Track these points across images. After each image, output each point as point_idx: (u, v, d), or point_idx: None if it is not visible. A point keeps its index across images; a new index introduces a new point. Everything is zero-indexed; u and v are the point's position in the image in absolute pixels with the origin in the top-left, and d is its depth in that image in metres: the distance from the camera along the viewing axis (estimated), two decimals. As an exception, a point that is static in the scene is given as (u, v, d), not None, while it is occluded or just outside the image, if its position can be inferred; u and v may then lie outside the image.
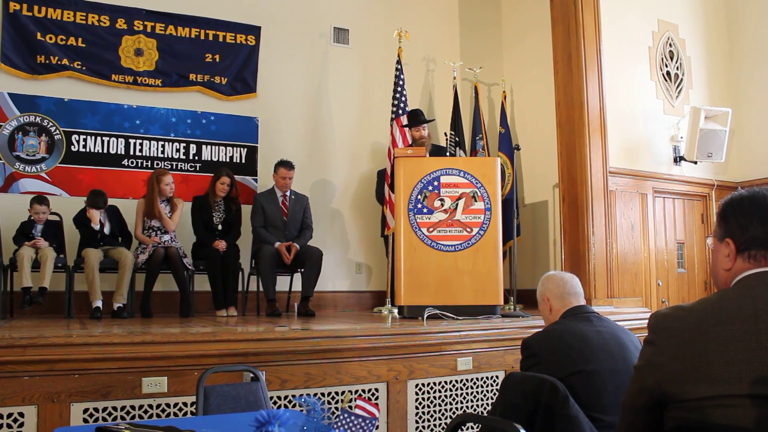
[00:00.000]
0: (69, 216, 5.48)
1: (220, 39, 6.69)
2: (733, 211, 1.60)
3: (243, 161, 6.72)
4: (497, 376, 4.27)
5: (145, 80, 6.36)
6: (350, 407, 1.66)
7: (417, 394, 3.98)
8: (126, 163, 6.26)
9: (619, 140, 6.22)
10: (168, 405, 3.33)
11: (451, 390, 4.10)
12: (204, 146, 6.58)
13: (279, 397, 3.56)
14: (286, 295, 6.28)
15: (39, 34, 5.97)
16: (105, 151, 6.19)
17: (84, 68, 6.13)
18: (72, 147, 6.07)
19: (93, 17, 6.18)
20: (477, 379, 4.21)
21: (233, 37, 6.73)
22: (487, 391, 4.24)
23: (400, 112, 6.36)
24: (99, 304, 5.07)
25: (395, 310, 5.43)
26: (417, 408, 3.97)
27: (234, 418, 2.28)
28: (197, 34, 6.60)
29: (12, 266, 5.05)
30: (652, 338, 1.55)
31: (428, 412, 4.01)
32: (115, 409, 3.22)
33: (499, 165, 5.21)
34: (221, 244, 5.62)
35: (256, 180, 6.73)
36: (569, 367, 2.34)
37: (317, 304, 6.24)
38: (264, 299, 5.71)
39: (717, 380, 1.39)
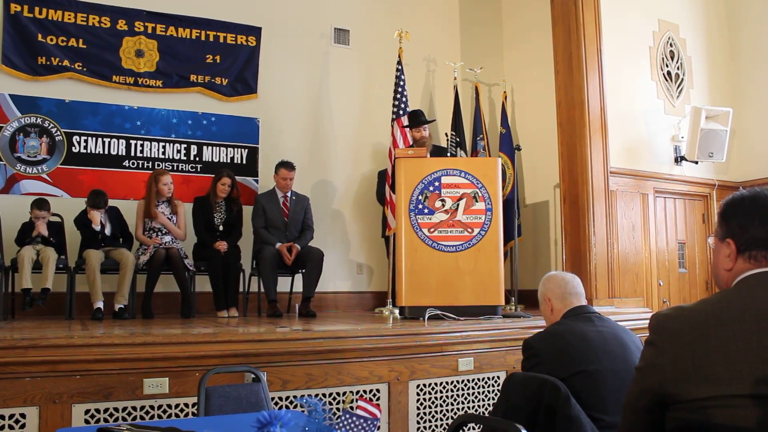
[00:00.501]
0: (70, 217, 5.49)
1: (221, 40, 6.69)
2: (734, 212, 1.59)
3: (244, 162, 6.72)
4: (498, 377, 4.27)
5: (146, 81, 6.36)
6: (352, 408, 1.66)
7: (418, 394, 3.98)
8: (127, 164, 6.26)
9: (620, 140, 6.22)
10: (169, 406, 3.33)
11: (452, 390, 4.10)
12: (205, 147, 6.58)
13: (280, 398, 3.56)
14: (287, 295, 6.28)
15: (40, 36, 5.97)
16: (106, 152, 6.19)
17: (85, 69, 6.13)
18: (73, 148, 6.07)
19: (94, 18, 6.19)
20: (478, 379, 4.21)
21: (234, 38, 6.73)
22: (489, 391, 4.23)
23: (401, 112, 6.36)
24: (100, 305, 5.06)
25: (396, 311, 5.42)
26: (418, 408, 3.97)
27: (235, 419, 2.28)
28: (198, 35, 6.60)
29: (13, 267, 5.05)
30: (653, 339, 1.55)
31: (429, 413, 4.01)
32: (116, 410, 3.23)
33: (499, 165, 5.20)
34: (222, 245, 5.62)
35: (257, 181, 6.74)
36: (571, 368, 2.34)
37: (318, 304, 6.24)
38: (265, 300, 5.71)
39: (718, 380, 1.39)
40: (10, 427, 3.03)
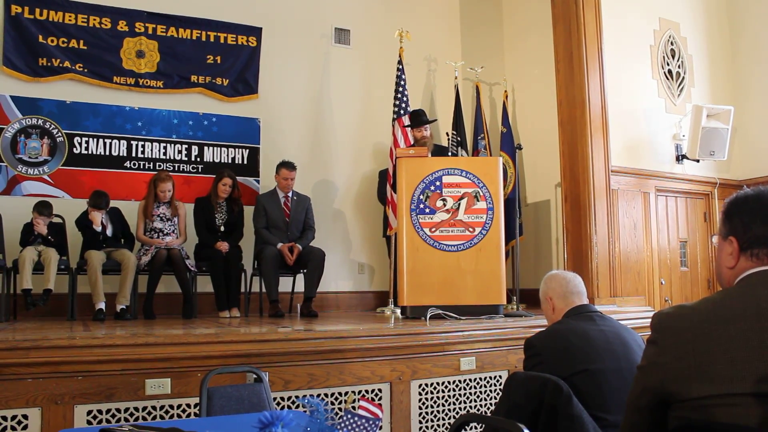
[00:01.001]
0: (71, 218, 5.49)
1: (222, 40, 6.69)
2: (737, 210, 1.60)
3: (245, 162, 6.72)
4: (500, 376, 4.26)
5: (147, 82, 6.37)
6: (353, 408, 1.66)
7: (420, 394, 3.98)
8: (128, 165, 6.26)
9: (621, 139, 6.22)
10: (171, 406, 3.33)
11: (454, 390, 4.10)
12: (206, 147, 6.58)
13: (282, 398, 3.56)
14: (289, 296, 6.29)
15: (41, 37, 5.97)
16: (107, 153, 6.19)
17: (86, 70, 6.14)
18: (74, 149, 6.08)
19: (94, 19, 6.19)
20: (480, 379, 4.21)
21: (234, 39, 6.73)
22: (491, 391, 4.23)
23: (402, 112, 6.35)
24: (102, 305, 5.07)
25: (398, 311, 5.42)
26: (420, 408, 3.97)
27: (237, 420, 2.28)
28: (198, 35, 6.61)
29: (15, 268, 5.06)
30: (655, 338, 1.55)
31: (431, 413, 4.01)
32: (118, 410, 3.23)
33: (501, 164, 5.20)
34: (223, 246, 5.62)
35: (258, 181, 6.74)
36: (572, 367, 2.34)
37: (320, 304, 6.24)
38: (267, 300, 5.72)
39: (720, 379, 1.39)
40: (13, 428, 3.03)
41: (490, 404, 4.19)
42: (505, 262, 5.12)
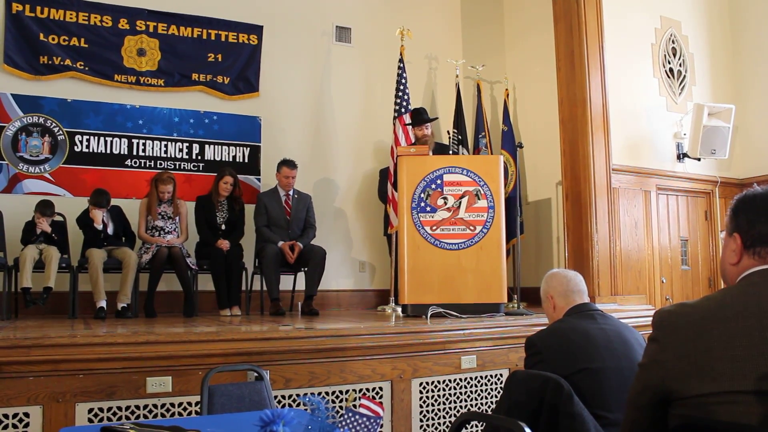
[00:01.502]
0: (73, 216, 5.49)
1: (223, 38, 6.69)
2: (744, 207, 1.59)
3: (246, 161, 6.72)
4: (501, 375, 4.27)
5: (148, 80, 6.36)
6: (354, 406, 1.66)
7: (421, 392, 3.98)
8: (129, 163, 6.27)
9: (622, 137, 6.22)
10: (172, 404, 3.34)
11: (455, 388, 4.10)
12: (207, 146, 6.58)
13: (283, 396, 3.56)
14: (290, 294, 6.29)
15: (42, 35, 5.97)
16: (108, 151, 6.19)
17: (87, 68, 6.14)
18: (75, 147, 6.08)
19: (95, 17, 6.19)
20: (481, 377, 4.21)
21: (235, 37, 6.73)
22: (492, 389, 4.23)
23: (403, 110, 6.35)
24: (103, 304, 5.08)
25: (399, 309, 5.42)
26: (421, 406, 3.97)
27: (238, 418, 2.28)
28: (199, 33, 6.60)
29: (16, 267, 5.06)
30: (656, 335, 1.55)
31: (432, 411, 4.01)
32: (119, 408, 3.23)
33: (502, 163, 5.20)
34: (224, 244, 5.62)
35: (259, 179, 6.74)
36: (573, 365, 2.34)
37: (321, 302, 6.24)
38: (268, 298, 5.72)
39: (720, 376, 1.39)
40: (14, 426, 3.03)
41: (491, 403, 4.20)
42: (506, 261, 5.12)
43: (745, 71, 7.05)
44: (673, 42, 6.77)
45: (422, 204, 5.00)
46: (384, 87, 7.03)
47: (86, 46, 6.15)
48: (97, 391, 3.18)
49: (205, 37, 6.63)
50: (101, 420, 3.18)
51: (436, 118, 7.19)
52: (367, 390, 3.81)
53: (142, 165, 6.31)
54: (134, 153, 6.29)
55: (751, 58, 6.99)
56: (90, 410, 3.17)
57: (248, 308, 5.84)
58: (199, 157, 6.54)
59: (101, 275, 5.13)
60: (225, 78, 6.67)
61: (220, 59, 6.66)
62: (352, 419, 1.62)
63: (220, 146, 6.63)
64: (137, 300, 5.41)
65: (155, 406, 3.30)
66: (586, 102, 5.98)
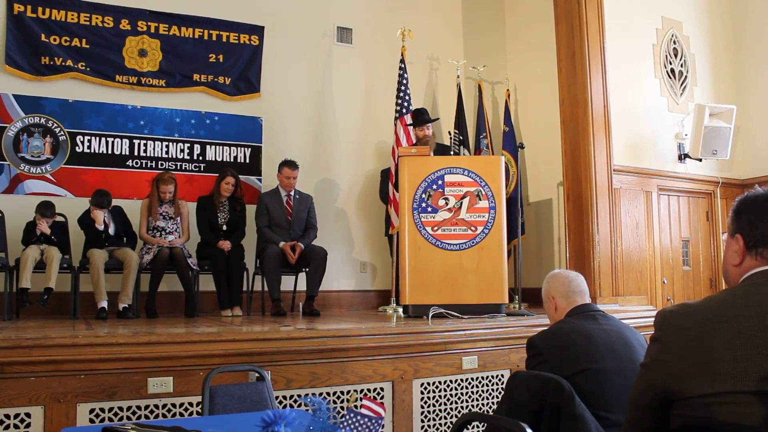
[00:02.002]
0: (74, 217, 5.49)
1: (224, 39, 6.69)
2: (746, 208, 1.60)
3: (247, 161, 6.73)
4: (502, 375, 4.26)
5: (149, 81, 6.37)
6: (356, 407, 1.66)
7: (422, 393, 3.98)
8: (130, 164, 6.27)
9: (624, 138, 6.21)
10: (174, 405, 3.34)
11: (456, 389, 4.10)
12: (208, 146, 6.58)
13: (284, 397, 3.56)
14: (291, 294, 6.28)
15: (43, 36, 5.98)
16: (109, 151, 6.20)
17: (88, 69, 6.14)
18: (76, 148, 6.08)
19: (97, 18, 6.20)
20: (482, 377, 4.21)
21: (237, 37, 6.74)
22: (493, 389, 4.23)
23: (404, 111, 6.35)
24: (104, 304, 5.08)
25: (400, 309, 5.43)
26: (422, 407, 3.97)
27: (240, 418, 2.29)
28: (201, 34, 6.61)
29: (17, 267, 5.06)
30: (658, 335, 1.55)
31: (434, 411, 4.01)
32: (121, 409, 3.23)
33: (503, 163, 5.20)
34: (226, 244, 5.62)
35: (260, 180, 6.74)
36: (575, 366, 2.34)
37: (322, 303, 6.24)
38: (269, 299, 5.71)
39: (722, 376, 1.39)
40: (15, 426, 3.04)
41: (492, 403, 4.19)
42: (507, 261, 5.12)
43: (747, 72, 7.04)
44: (674, 42, 6.76)
45: (423, 204, 5.00)
46: (385, 87, 7.04)
47: (87, 46, 6.15)
48: (98, 391, 3.18)
49: (206, 37, 6.63)
50: (102, 420, 3.18)
51: (437, 119, 7.19)
52: (369, 390, 3.81)
53: (144, 165, 6.31)
54: (135, 153, 6.29)
55: (753, 58, 6.99)
56: (91, 410, 3.18)
57: (249, 309, 5.84)
58: (200, 158, 6.55)
59: (102, 276, 5.13)
60: (226, 78, 6.67)
61: (221, 60, 6.67)
62: (354, 420, 1.62)
63: (221, 147, 6.63)
64: (138, 300, 5.41)
65: (156, 406, 3.30)
66: (587, 102, 5.97)
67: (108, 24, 6.24)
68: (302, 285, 6.02)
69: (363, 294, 7.10)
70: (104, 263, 5.19)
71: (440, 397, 4.04)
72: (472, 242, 4.98)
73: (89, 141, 6.14)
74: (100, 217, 5.34)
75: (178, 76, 6.48)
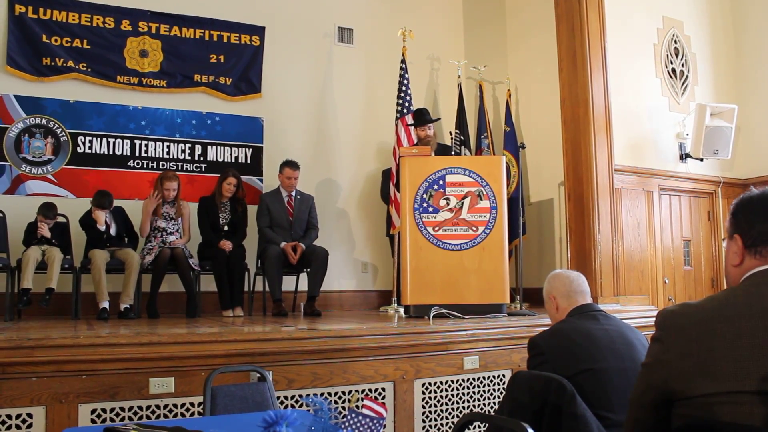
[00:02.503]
0: (75, 217, 5.50)
1: (225, 39, 6.69)
2: (743, 209, 1.61)
3: (248, 161, 6.73)
4: (504, 375, 4.26)
5: (150, 81, 6.37)
6: (357, 407, 1.66)
7: (424, 393, 3.98)
8: (132, 165, 6.27)
9: (625, 138, 6.21)
10: (175, 405, 3.34)
11: (457, 389, 4.10)
12: (209, 147, 6.59)
13: (286, 397, 3.56)
14: (293, 295, 6.28)
15: (44, 37, 5.98)
16: (111, 152, 6.20)
17: (89, 70, 6.15)
18: (78, 148, 6.09)
19: (98, 19, 6.20)
20: (484, 378, 4.21)
21: (237, 38, 6.74)
22: (494, 390, 4.23)
23: (405, 111, 6.35)
24: (106, 305, 5.08)
25: (401, 310, 5.43)
26: (424, 407, 3.97)
27: (241, 419, 2.29)
28: (202, 34, 6.61)
29: (19, 268, 5.06)
30: (659, 335, 1.55)
31: (435, 412, 4.01)
32: (122, 409, 3.24)
33: (504, 163, 5.20)
34: (227, 245, 5.62)
35: (261, 180, 6.74)
36: (576, 366, 2.34)
37: (323, 303, 6.25)
38: (270, 299, 5.72)
39: (723, 376, 1.39)
40: (17, 426, 3.04)
41: (494, 403, 4.19)
42: (508, 261, 5.12)
43: (748, 71, 7.04)
44: (675, 42, 6.76)
45: (424, 205, 5.00)
46: (386, 88, 7.04)
47: (89, 47, 6.16)
48: (100, 391, 3.19)
49: (207, 38, 6.63)
50: (104, 421, 3.19)
51: (438, 119, 7.19)
52: (370, 391, 3.81)
53: (145, 166, 6.31)
54: (137, 154, 6.30)
55: (754, 57, 6.98)
56: (93, 411, 3.18)
57: (251, 309, 5.84)
58: (202, 158, 6.55)
59: (104, 276, 5.14)
60: (227, 79, 6.68)
61: (222, 60, 6.67)
62: (355, 420, 1.62)
63: (222, 147, 6.64)
64: (140, 301, 5.42)
65: (158, 406, 3.31)
66: (588, 102, 5.97)
67: (109, 25, 6.25)
68: (303, 285, 6.03)
69: (364, 294, 7.10)
70: (106, 264, 5.20)
71: (442, 397, 4.04)
72: (474, 242, 4.98)
73: (90, 141, 6.14)
74: (102, 217, 5.34)
75: (179, 77, 6.49)
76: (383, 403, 1.70)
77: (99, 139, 6.17)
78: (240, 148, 6.71)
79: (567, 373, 2.28)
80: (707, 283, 6.71)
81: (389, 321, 4.76)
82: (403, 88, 6.44)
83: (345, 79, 7.24)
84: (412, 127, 6.26)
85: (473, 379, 4.17)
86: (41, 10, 5.98)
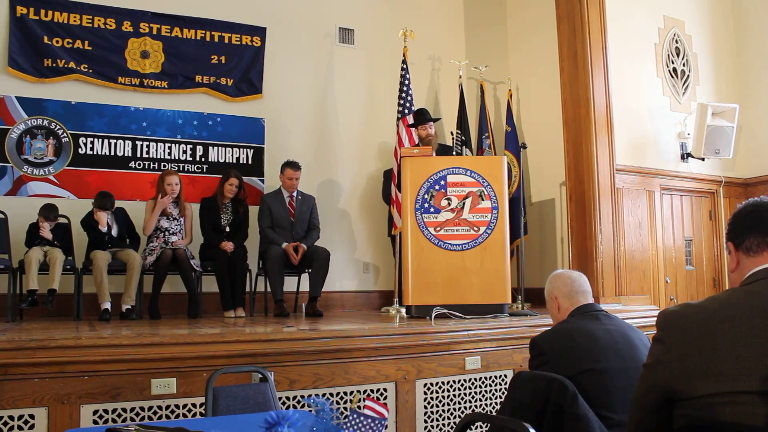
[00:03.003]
0: (77, 219, 5.50)
1: (226, 40, 6.70)
2: (732, 219, 1.69)
3: (249, 162, 6.73)
4: (506, 375, 4.26)
5: (152, 82, 6.38)
6: (359, 407, 1.66)
7: (425, 393, 3.98)
8: (133, 165, 6.28)
9: (626, 137, 6.21)
10: (177, 406, 3.34)
11: (459, 389, 4.10)
12: (210, 148, 6.59)
13: (288, 398, 3.57)
14: (294, 295, 6.29)
15: (46, 38, 5.99)
16: (112, 153, 6.21)
17: (90, 71, 6.15)
18: (79, 149, 6.09)
19: (99, 20, 6.21)
20: (485, 378, 4.21)
21: (239, 39, 6.74)
22: (496, 390, 4.23)
23: (406, 111, 6.35)
24: (107, 306, 5.09)
25: (403, 310, 5.43)
26: (426, 407, 3.97)
27: (243, 419, 2.29)
28: (203, 35, 6.62)
29: (21, 269, 5.07)
30: (660, 336, 1.55)
31: (437, 412, 4.01)
32: (124, 410, 3.24)
33: (505, 163, 5.20)
34: (228, 246, 5.63)
35: (262, 181, 6.74)
36: (578, 366, 2.33)
37: (325, 304, 6.25)
38: (272, 300, 5.72)
39: (725, 376, 1.39)
40: (20, 428, 3.04)
41: (496, 403, 4.19)
42: (509, 261, 5.11)
43: (749, 70, 7.03)
44: (676, 41, 6.75)
45: (426, 205, 5.00)
46: (387, 88, 7.04)
47: (90, 48, 6.16)
48: (101, 392, 3.19)
49: (208, 39, 6.64)
50: (106, 422, 3.19)
51: (439, 119, 7.19)
52: (372, 391, 3.81)
53: (146, 167, 6.32)
54: (138, 155, 6.31)
55: (755, 57, 6.98)
56: (95, 412, 3.18)
57: (252, 310, 5.84)
58: (203, 159, 6.55)
59: (106, 277, 5.14)
60: (228, 80, 6.68)
61: (223, 61, 6.67)
62: (357, 421, 1.62)
63: (223, 148, 6.64)
64: (142, 302, 5.42)
65: (160, 407, 3.31)
66: (589, 102, 5.96)
67: (110, 26, 6.26)
68: (305, 286, 6.03)
69: (366, 295, 7.10)
70: (107, 265, 5.20)
71: (443, 397, 4.04)
72: (475, 242, 4.98)
73: (92, 143, 6.15)
74: (104, 218, 5.35)
75: (180, 78, 6.49)
76: (385, 404, 1.70)
77: (100, 140, 6.18)
78: (241, 149, 6.71)
79: (569, 373, 2.28)
80: (709, 282, 6.70)
81: (391, 321, 4.76)
82: (404, 88, 6.44)
83: (346, 79, 7.24)
84: (413, 127, 6.26)
85: (475, 379, 4.17)
86: (42, 11, 5.99)
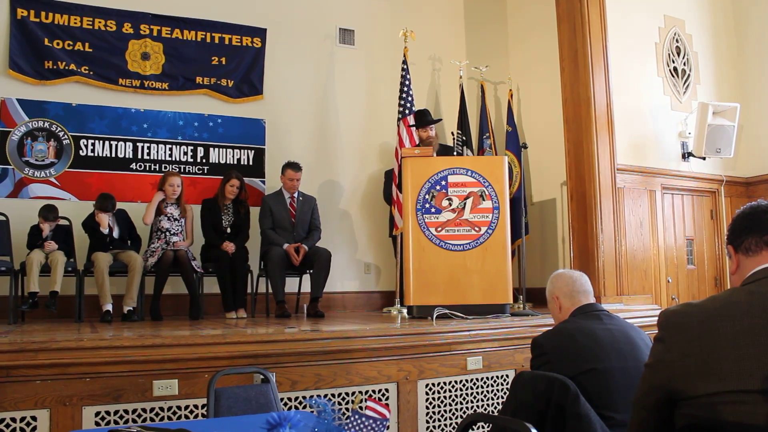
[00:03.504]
0: (78, 220, 5.51)
1: (226, 42, 6.70)
2: (732, 224, 1.70)
3: (250, 163, 6.73)
4: (507, 376, 4.26)
5: (152, 84, 6.38)
6: (361, 408, 1.66)
7: (427, 394, 3.98)
8: (134, 167, 6.28)
9: (627, 137, 6.20)
10: (179, 407, 3.34)
11: (461, 389, 4.10)
12: (211, 149, 6.59)
13: (289, 399, 3.57)
14: (296, 296, 6.29)
15: (46, 40, 6.00)
16: (113, 155, 6.21)
17: (91, 73, 6.16)
18: (80, 151, 6.10)
19: (99, 22, 6.22)
20: (487, 378, 4.21)
21: (239, 40, 6.75)
22: (498, 390, 4.23)
23: (407, 112, 6.35)
24: (109, 307, 5.09)
25: (404, 310, 5.43)
26: (427, 408, 3.97)
27: (245, 420, 2.29)
28: (203, 37, 6.62)
29: (22, 271, 5.08)
30: (662, 335, 1.55)
31: (439, 412, 4.01)
32: (126, 412, 3.24)
33: (506, 163, 5.20)
34: (230, 246, 5.63)
35: (263, 182, 6.75)
36: (580, 366, 2.33)
37: (326, 305, 6.25)
38: (273, 301, 5.72)
39: (726, 375, 1.39)
40: (22, 429, 3.05)
41: (497, 404, 4.19)
42: (511, 261, 5.11)
43: (750, 69, 7.02)
44: (677, 41, 6.75)
45: (427, 205, 5.00)
46: (388, 89, 7.04)
47: (90, 50, 6.17)
48: (103, 394, 3.19)
49: (208, 40, 6.64)
50: (108, 423, 3.19)
51: (440, 120, 7.19)
52: (373, 392, 3.81)
53: (147, 168, 6.32)
54: (139, 157, 6.31)
55: (756, 56, 6.97)
56: (97, 413, 3.19)
57: (254, 311, 5.84)
58: (204, 160, 6.56)
59: (107, 279, 5.14)
60: (229, 81, 6.69)
61: (224, 62, 6.68)
62: (359, 421, 1.62)
63: (224, 149, 6.64)
64: (143, 303, 5.43)
65: (162, 409, 3.31)
66: (590, 102, 5.96)
67: (111, 28, 6.26)
68: (306, 287, 6.03)
69: (367, 295, 7.10)
70: (109, 266, 5.20)
71: (445, 397, 4.04)
72: (476, 243, 4.98)
73: (93, 144, 6.15)
74: (105, 220, 5.36)
75: (180, 79, 6.50)
76: (386, 404, 1.70)
77: (101, 142, 6.18)
78: (242, 150, 6.72)
79: (570, 373, 2.28)
80: (710, 282, 6.70)
81: (392, 322, 4.76)
82: (405, 88, 6.44)
83: (346, 80, 7.24)
84: (414, 128, 6.26)
85: (477, 379, 4.17)
86: (43, 13, 6.00)
